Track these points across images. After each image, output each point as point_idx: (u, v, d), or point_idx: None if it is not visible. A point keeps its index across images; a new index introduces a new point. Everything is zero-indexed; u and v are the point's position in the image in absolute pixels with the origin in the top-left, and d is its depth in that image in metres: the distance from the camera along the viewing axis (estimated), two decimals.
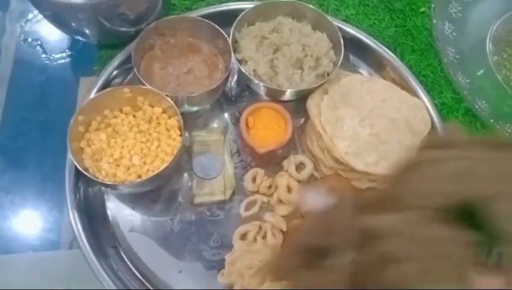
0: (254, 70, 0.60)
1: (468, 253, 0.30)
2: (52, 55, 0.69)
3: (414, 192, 0.33)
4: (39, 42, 0.70)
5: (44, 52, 0.69)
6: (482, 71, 0.70)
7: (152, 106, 0.57)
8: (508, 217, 0.30)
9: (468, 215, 0.31)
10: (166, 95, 0.55)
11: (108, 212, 0.58)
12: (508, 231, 0.29)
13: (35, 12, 0.70)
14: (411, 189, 0.34)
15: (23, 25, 0.71)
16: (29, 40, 0.70)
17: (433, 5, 0.69)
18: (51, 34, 0.70)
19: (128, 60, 0.61)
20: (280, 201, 0.57)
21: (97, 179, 0.52)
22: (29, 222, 0.59)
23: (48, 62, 0.69)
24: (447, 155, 0.34)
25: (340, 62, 0.60)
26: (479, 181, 0.31)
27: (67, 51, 0.69)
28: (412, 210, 0.31)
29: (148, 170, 0.54)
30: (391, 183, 0.37)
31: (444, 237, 0.30)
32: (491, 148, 0.34)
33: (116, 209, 0.58)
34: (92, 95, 0.59)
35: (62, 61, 0.69)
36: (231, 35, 0.60)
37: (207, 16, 0.63)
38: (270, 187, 0.58)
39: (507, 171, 0.32)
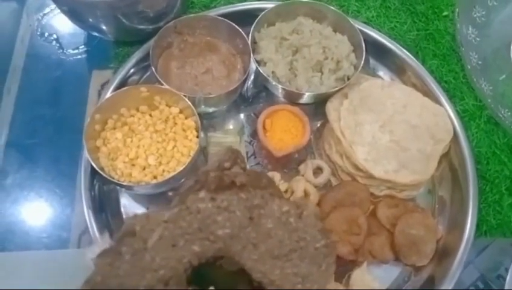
0: (273, 72, 0.59)
1: None
2: (68, 50, 0.69)
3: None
4: (55, 37, 0.70)
5: (60, 47, 0.69)
6: (504, 76, 0.68)
7: (169, 106, 0.57)
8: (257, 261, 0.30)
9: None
10: (184, 96, 0.54)
11: (123, 210, 0.57)
12: (263, 273, 0.30)
13: (52, 6, 0.70)
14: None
15: (40, 18, 0.71)
16: (46, 34, 0.70)
17: (457, 9, 0.68)
18: (67, 29, 0.70)
19: (145, 58, 0.60)
20: None
21: (113, 179, 0.51)
22: (41, 218, 0.58)
23: (63, 57, 0.68)
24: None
25: (361, 66, 0.59)
26: (237, 225, 0.31)
27: (83, 46, 0.69)
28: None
29: (163, 171, 0.53)
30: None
31: None
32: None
33: (131, 209, 0.57)
34: (109, 94, 0.59)
35: (78, 56, 0.69)
36: (250, 35, 0.59)
37: (226, 15, 0.62)
38: (286, 191, 0.57)
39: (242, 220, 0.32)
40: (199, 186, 0.34)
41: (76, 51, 0.69)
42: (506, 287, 0.53)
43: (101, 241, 0.34)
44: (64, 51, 0.69)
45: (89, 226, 0.53)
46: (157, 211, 0.33)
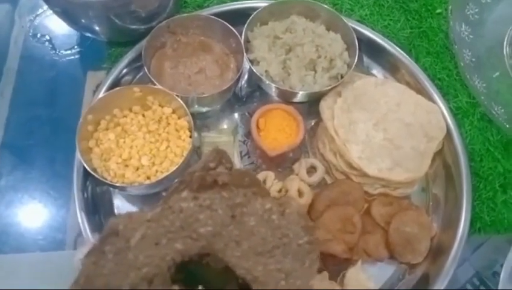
0: (266, 71, 0.59)
1: None
2: (61, 51, 0.69)
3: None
4: (48, 38, 0.69)
5: (53, 48, 0.69)
6: (497, 74, 0.68)
7: (162, 106, 0.57)
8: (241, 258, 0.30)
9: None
10: (177, 95, 0.54)
11: (116, 211, 0.57)
12: (247, 269, 0.30)
13: (45, 7, 0.69)
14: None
15: (33, 19, 0.70)
16: (38, 35, 0.69)
17: (450, 7, 0.68)
18: (60, 29, 0.70)
19: (138, 58, 0.60)
20: None
21: (105, 181, 0.51)
22: (36, 220, 0.58)
23: (56, 58, 0.68)
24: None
25: (354, 64, 0.59)
26: (220, 223, 0.32)
27: (76, 47, 0.69)
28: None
29: (157, 171, 0.53)
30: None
31: None
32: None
33: (124, 210, 0.56)
34: (102, 94, 0.58)
35: (71, 57, 0.68)
36: (243, 34, 0.59)
37: (219, 14, 0.62)
38: (280, 191, 0.57)
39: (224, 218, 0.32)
40: (183, 186, 0.34)
41: (69, 52, 0.68)
42: (500, 284, 0.53)
43: (90, 242, 0.34)
44: (58, 52, 0.68)
45: (82, 227, 0.52)
46: (140, 211, 0.33)
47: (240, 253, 0.29)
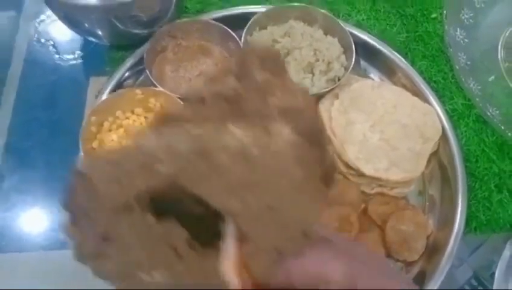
0: None
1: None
2: (64, 55, 0.70)
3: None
4: (52, 43, 0.71)
5: (57, 52, 0.70)
6: (493, 77, 0.69)
7: (164, 108, 0.58)
8: (219, 194, 0.25)
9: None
10: (178, 98, 0.56)
11: None
12: (225, 207, 0.25)
13: (49, 13, 0.71)
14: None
15: (37, 25, 0.72)
16: (42, 40, 0.71)
17: (445, 11, 0.69)
18: (63, 34, 0.71)
19: (140, 61, 0.61)
20: None
21: None
22: (37, 220, 0.59)
23: (59, 62, 0.69)
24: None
25: (351, 67, 0.60)
26: (183, 161, 0.26)
27: (79, 51, 0.70)
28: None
29: None
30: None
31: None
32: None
33: None
34: (104, 96, 0.60)
35: (74, 62, 0.70)
36: (243, 38, 0.60)
37: (219, 19, 0.63)
38: None
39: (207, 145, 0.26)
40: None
41: (72, 56, 0.70)
42: (495, 282, 0.54)
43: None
44: (61, 56, 0.70)
45: None
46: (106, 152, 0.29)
47: (210, 190, 0.25)
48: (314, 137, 0.27)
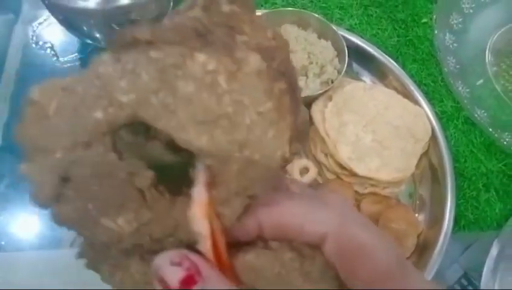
0: None
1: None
2: (62, 58, 0.71)
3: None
4: (50, 45, 0.72)
5: (55, 55, 0.71)
6: (481, 81, 0.72)
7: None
8: (184, 126, 0.23)
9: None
10: None
11: None
12: (192, 142, 0.23)
13: (47, 15, 0.72)
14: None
15: (35, 28, 0.73)
16: (41, 42, 0.72)
17: (434, 16, 0.71)
18: (61, 37, 0.72)
19: None
20: None
21: None
22: (32, 220, 0.60)
23: (58, 64, 0.70)
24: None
25: (344, 70, 0.61)
26: (144, 88, 0.23)
27: (77, 54, 0.71)
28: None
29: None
30: None
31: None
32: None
33: None
34: None
35: (72, 64, 0.71)
36: None
37: None
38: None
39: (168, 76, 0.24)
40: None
41: (70, 58, 0.71)
42: (483, 278, 0.56)
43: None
44: (59, 59, 0.71)
45: None
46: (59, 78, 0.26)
47: (175, 123, 0.23)
48: (288, 80, 0.26)
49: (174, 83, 0.24)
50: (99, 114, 0.23)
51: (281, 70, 0.25)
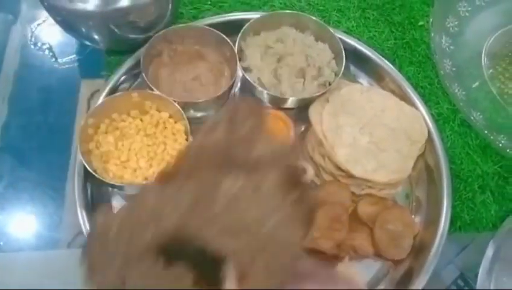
0: (258, 79, 0.62)
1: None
2: (60, 59, 0.71)
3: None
4: (48, 46, 0.72)
5: (53, 56, 0.71)
6: (477, 84, 0.72)
7: (159, 111, 0.59)
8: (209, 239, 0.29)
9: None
10: (174, 101, 0.57)
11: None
12: (224, 248, 0.29)
13: (46, 16, 0.72)
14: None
15: (34, 29, 0.73)
16: (39, 43, 0.72)
17: (431, 19, 0.72)
18: (60, 38, 0.72)
19: (136, 65, 0.63)
20: None
21: (105, 180, 0.53)
22: (30, 220, 0.60)
23: (56, 66, 0.70)
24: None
25: (341, 72, 0.62)
26: (183, 213, 0.30)
27: (75, 55, 0.71)
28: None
29: (154, 173, 0.55)
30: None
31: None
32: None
33: None
34: (101, 99, 0.61)
35: (70, 65, 0.71)
36: (237, 44, 0.62)
37: (214, 25, 0.65)
38: None
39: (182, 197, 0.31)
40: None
41: (68, 60, 0.71)
42: (478, 279, 0.56)
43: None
44: (57, 60, 0.71)
45: (82, 226, 0.55)
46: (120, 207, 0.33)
47: (211, 236, 0.29)
48: (294, 180, 0.32)
49: (209, 205, 0.30)
50: (148, 236, 0.29)
51: (288, 173, 0.32)
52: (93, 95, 0.67)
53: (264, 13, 0.66)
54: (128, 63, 0.64)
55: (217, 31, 0.63)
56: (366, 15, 0.74)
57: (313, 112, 0.61)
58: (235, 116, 0.34)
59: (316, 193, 0.59)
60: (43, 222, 0.59)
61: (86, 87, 0.68)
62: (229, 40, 0.62)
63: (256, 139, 0.33)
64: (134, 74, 0.65)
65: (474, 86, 0.72)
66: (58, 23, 0.64)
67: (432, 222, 0.59)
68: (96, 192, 0.59)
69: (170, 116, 0.59)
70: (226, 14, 0.69)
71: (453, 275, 0.59)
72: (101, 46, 0.66)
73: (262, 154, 0.32)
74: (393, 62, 0.70)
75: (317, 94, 0.61)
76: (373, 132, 0.60)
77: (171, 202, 0.30)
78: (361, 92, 0.63)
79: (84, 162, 0.53)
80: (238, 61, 0.61)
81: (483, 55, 0.74)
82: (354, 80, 0.69)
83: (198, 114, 0.63)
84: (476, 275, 0.57)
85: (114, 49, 0.68)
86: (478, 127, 0.65)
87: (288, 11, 0.69)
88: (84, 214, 0.55)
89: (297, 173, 0.33)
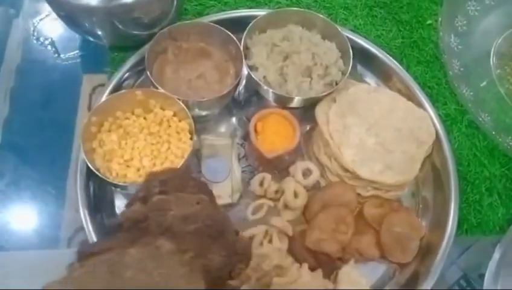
0: (264, 77, 0.61)
1: None
2: (63, 54, 0.70)
3: None
4: (51, 41, 0.71)
5: (56, 51, 0.70)
6: (484, 83, 0.71)
7: (163, 109, 0.58)
8: None
9: None
10: (178, 99, 0.56)
11: (117, 211, 0.59)
12: None
13: (49, 11, 0.71)
14: None
15: (36, 24, 0.72)
16: (41, 38, 0.71)
17: (440, 18, 0.71)
18: (62, 33, 0.71)
19: (140, 62, 0.62)
20: (286, 206, 0.58)
21: (108, 180, 0.53)
22: (32, 218, 0.60)
23: (58, 61, 0.70)
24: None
25: (348, 72, 0.61)
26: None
27: (78, 51, 0.70)
28: None
29: None
30: None
31: None
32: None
33: None
34: (105, 97, 0.60)
35: (72, 61, 0.70)
36: (242, 41, 0.61)
37: (219, 22, 0.64)
38: (277, 192, 0.59)
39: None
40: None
41: (71, 55, 0.70)
42: (485, 283, 0.56)
43: None
44: (60, 55, 0.70)
45: (85, 225, 0.54)
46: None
47: None
48: (215, 230, 0.39)
49: (120, 274, 0.34)
50: None
51: (208, 224, 0.39)
52: (95, 89, 0.66)
53: (270, 10, 0.66)
54: (132, 59, 0.63)
55: (223, 28, 0.62)
56: (373, 13, 0.73)
57: (320, 111, 0.61)
58: (150, 187, 0.41)
59: (322, 194, 0.58)
60: (45, 220, 0.59)
61: (87, 81, 0.67)
62: (234, 38, 0.61)
63: (169, 204, 0.39)
64: (138, 70, 0.64)
65: (482, 85, 0.71)
66: (61, 18, 0.63)
67: (438, 225, 0.58)
68: (99, 190, 0.59)
69: (174, 115, 0.58)
70: (232, 11, 0.69)
71: (455, 276, 0.59)
72: (105, 42, 0.65)
73: (177, 216, 0.38)
74: (400, 61, 0.69)
75: (324, 94, 0.60)
76: (380, 133, 0.59)
77: (89, 276, 0.35)
78: (369, 92, 0.62)
79: (87, 161, 0.52)
80: (243, 59, 0.60)
81: (491, 55, 0.73)
82: (360, 79, 0.69)
83: (203, 112, 0.62)
84: (479, 276, 0.57)
85: (118, 45, 0.67)
86: (486, 128, 0.65)
87: (294, 8, 0.68)
88: (86, 213, 0.54)
89: (218, 224, 0.39)
